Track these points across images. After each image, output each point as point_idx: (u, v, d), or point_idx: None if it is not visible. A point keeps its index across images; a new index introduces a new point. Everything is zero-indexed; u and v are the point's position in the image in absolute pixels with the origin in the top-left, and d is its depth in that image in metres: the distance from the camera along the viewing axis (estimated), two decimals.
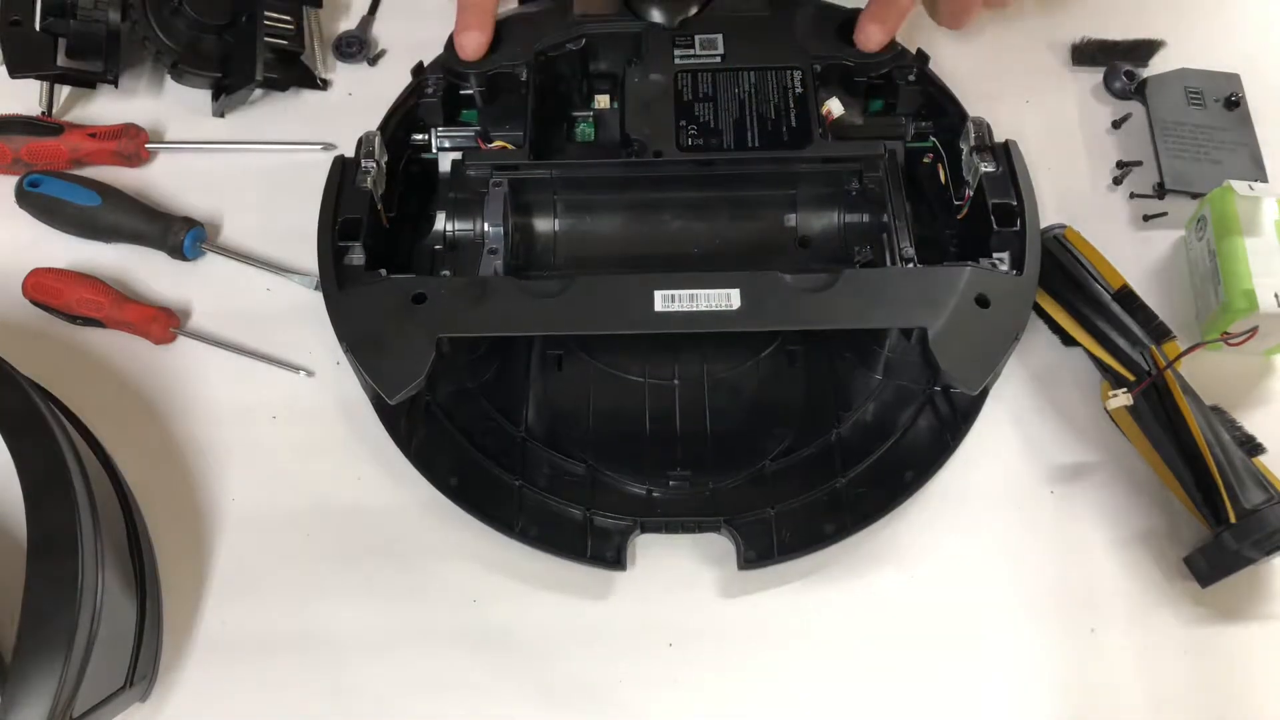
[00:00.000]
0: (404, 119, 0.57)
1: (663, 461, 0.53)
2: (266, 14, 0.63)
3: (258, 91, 0.65)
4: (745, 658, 0.50)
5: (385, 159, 0.54)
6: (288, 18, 0.64)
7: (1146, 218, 0.61)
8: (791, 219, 0.56)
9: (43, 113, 0.64)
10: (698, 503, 0.52)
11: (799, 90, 0.55)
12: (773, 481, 0.53)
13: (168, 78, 0.66)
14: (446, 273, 0.54)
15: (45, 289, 0.57)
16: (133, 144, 0.62)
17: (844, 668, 0.50)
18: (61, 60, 0.63)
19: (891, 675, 0.49)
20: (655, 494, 0.53)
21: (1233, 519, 0.48)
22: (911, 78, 0.57)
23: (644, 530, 0.52)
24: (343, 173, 0.53)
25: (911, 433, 0.54)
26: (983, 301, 0.48)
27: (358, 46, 0.68)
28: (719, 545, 0.52)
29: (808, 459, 0.53)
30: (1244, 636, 0.50)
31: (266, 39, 0.62)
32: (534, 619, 0.51)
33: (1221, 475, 0.49)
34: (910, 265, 0.52)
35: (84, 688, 0.42)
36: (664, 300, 0.48)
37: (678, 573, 0.52)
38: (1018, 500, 0.53)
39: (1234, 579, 0.49)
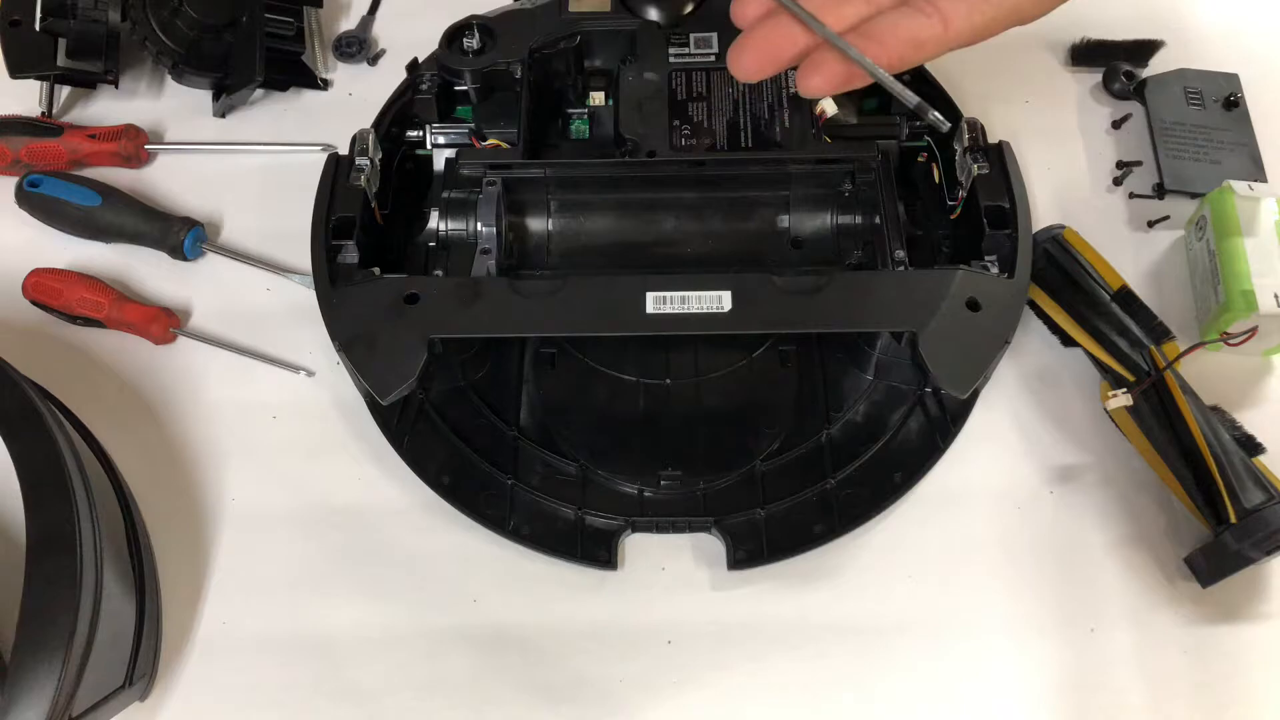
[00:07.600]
0: (398, 115, 0.57)
1: (654, 461, 0.53)
2: (267, 14, 0.63)
3: (258, 91, 0.65)
4: (736, 657, 0.50)
5: (379, 156, 0.54)
6: (288, 18, 0.65)
7: (1151, 223, 0.61)
8: (784, 220, 0.55)
9: (43, 113, 0.64)
10: (688, 503, 0.52)
11: (793, 89, 0.55)
12: (763, 482, 0.53)
13: (168, 78, 0.66)
14: (439, 272, 0.54)
15: (45, 289, 0.57)
16: (132, 145, 0.62)
17: (837, 669, 0.49)
18: (61, 60, 0.63)
19: (887, 676, 0.49)
20: (647, 493, 0.53)
21: (1233, 519, 0.48)
22: (906, 77, 0.56)
23: (635, 530, 0.52)
24: (336, 170, 0.53)
25: (902, 434, 0.54)
26: (973, 305, 0.48)
27: (358, 46, 0.68)
28: (710, 545, 0.52)
29: (798, 459, 0.53)
30: (1244, 636, 0.50)
31: (266, 39, 0.63)
32: (529, 617, 0.51)
33: (1221, 475, 0.49)
34: (902, 267, 0.52)
35: (83, 687, 0.42)
36: (655, 302, 0.48)
37: (669, 572, 0.52)
38: (1018, 500, 0.53)
39: (1234, 579, 0.49)
